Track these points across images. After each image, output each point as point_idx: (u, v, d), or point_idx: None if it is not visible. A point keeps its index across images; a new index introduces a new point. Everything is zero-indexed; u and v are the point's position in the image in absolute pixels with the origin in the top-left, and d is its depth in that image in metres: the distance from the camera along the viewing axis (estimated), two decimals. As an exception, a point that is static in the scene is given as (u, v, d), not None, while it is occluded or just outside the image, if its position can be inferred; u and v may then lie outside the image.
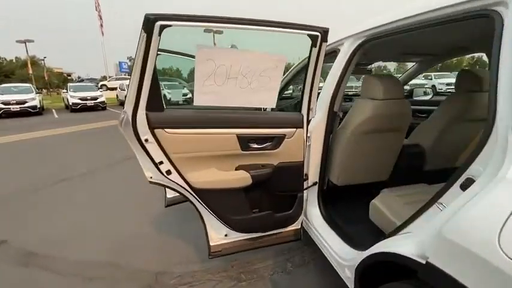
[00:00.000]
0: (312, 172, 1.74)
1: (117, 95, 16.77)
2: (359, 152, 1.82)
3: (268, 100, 1.40)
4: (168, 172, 1.35)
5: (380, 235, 1.47)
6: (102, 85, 22.77)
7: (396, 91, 1.66)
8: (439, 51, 2.33)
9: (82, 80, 32.74)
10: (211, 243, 1.66)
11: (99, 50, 28.20)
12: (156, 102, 1.22)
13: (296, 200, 1.64)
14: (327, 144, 1.71)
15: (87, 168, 4.38)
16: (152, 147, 1.28)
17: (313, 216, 1.81)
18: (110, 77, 27.06)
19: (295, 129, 1.47)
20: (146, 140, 1.25)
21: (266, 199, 1.60)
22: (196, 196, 1.42)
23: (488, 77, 1.90)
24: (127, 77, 27.10)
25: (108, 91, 20.42)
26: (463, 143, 2.13)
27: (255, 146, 1.43)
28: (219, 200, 1.43)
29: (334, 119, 1.67)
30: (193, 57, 2.42)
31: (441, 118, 1.97)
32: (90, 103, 13.18)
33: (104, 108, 13.76)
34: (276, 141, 1.45)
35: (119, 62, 32.75)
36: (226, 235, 1.68)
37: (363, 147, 1.80)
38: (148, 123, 1.23)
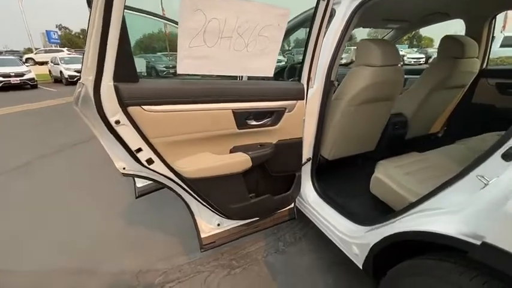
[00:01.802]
0: (306, 148, 1.61)
1: (49, 71, 14.28)
2: (352, 124, 1.73)
3: (266, 67, 1.17)
4: (150, 161, 1.08)
5: (384, 209, 1.44)
6: (27, 59, 19.16)
7: (393, 57, 1.57)
8: (420, 17, 2.30)
9: (0, 53, 27.08)
10: (202, 235, 1.47)
11: (18, 17, 23.12)
12: (127, 69, 0.90)
13: (294, 179, 1.51)
14: (322, 117, 1.57)
15: (26, 159, 3.64)
16: (126, 130, 0.98)
17: (308, 194, 1.72)
18: (36, 49, 22.79)
19: (295, 101, 1.29)
20: (117, 122, 0.95)
21: (264, 182, 1.43)
22: (188, 187, 1.18)
23: (470, 44, 1.95)
24: (59, 49, 23.19)
25: (37, 66, 17.29)
26: (439, 111, 2.21)
27: (253, 122, 1.22)
28: (215, 189, 1.22)
29: (330, 90, 1.52)
30: (173, 22, 1.99)
31: (424, 86, 1.98)
32: (14, 80, 10.94)
33: (34, 87, 11.59)
34: (276, 116, 1.26)
35: (47, 32, 27.64)
36: (219, 224, 1.50)
37: (357, 118, 1.71)
38: (118, 99, 0.91)
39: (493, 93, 2.13)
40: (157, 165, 1.09)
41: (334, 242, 1.50)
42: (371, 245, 1.14)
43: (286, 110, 1.28)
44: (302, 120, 1.36)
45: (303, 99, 1.31)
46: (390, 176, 1.38)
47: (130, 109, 0.95)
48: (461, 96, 2.19)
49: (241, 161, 1.19)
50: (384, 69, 1.55)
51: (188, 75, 1.03)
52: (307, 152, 1.62)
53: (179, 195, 1.34)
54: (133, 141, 1.02)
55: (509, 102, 2.06)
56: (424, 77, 2.00)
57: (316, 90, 1.47)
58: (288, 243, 2.00)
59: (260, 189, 1.45)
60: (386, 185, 1.35)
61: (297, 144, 1.41)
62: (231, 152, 1.24)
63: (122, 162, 1.11)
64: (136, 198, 1.93)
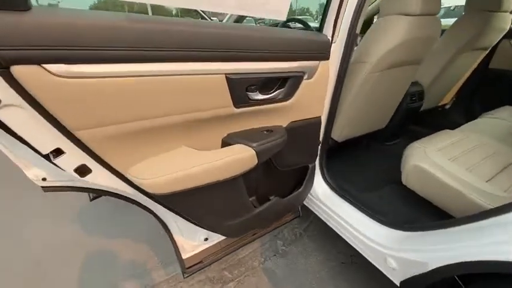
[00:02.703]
0: None
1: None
2: (372, 95, 1.34)
3: (277, 7, 0.69)
4: (83, 170, 0.60)
5: (423, 206, 1.13)
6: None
7: (435, 2, 1.15)
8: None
9: None
10: (184, 256, 1.06)
11: None
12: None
13: (307, 172, 1.12)
14: (340, 86, 1.16)
15: None
16: (17, 117, 0.49)
17: (316, 186, 1.35)
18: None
19: (317, 62, 0.85)
20: None
21: (269, 180, 1.02)
22: (158, 203, 0.74)
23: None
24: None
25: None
26: (457, 78, 1.91)
27: (258, 96, 0.77)
28: (202, 204, 0.78)
29: (353, 47, 1.09)
30: None
31: (449, 47, 1.62)
32: None
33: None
34: (291, 84, 0.82)
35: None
36: (206, 239, 1.09)
37: (378, 87, 1.32)
38: None
39: (515, 56, 1.86)
40: (98, 176, 0.62)
41: (356, 247, 1.18)
42: (431, 267, 0.81)
43: (305, 76, 0.84)
44: (325, 90, 0.94)
45: (328, 58, 0.87)
46: (436, 164, 1.04)
47: (19, 70, 0.45)
48: (480, 61, 1.89)
49: (242, 159, 0.75)
50: (422, 19, 1.14)
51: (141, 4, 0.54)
52: None
53: (147, 209, 0.89)
54: (42, 136, 0.53)
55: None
56: (450, 36, 1.63)
57: (335, 47, 1.03)
58: (288, 242, 1.67)
59: (264, 190, 1.04)
60: (431, 176, 1.02)
61: (315, 126, 1.00)
62: (224, 143, 0.80)
63: (38, 168, 0.63)
64: (91, 200, 1.43)
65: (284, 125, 0.91)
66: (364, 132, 1.60)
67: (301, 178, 1.14)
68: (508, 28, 1.66)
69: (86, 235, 1.70)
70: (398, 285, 1.02)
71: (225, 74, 0.67)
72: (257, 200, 1.02)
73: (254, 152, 0.76)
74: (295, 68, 0.80)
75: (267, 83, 0.77)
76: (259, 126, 0.86)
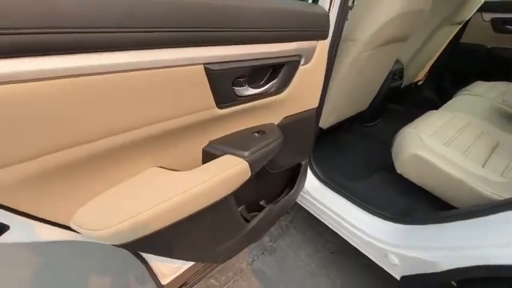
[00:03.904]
0: None
1: None
2: (361, 76, 1.23)
3: None
4: None
5: (420, 195, 1.08)
6: None
7: None
8: None
9: None
10: (165, 282, 0.89)
11: None
12: None
13: (300, 170, 0.99)
14: (331, 66, 1.02)
15: None
16: None
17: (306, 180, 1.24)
18: None
19: (315, 41, 0.68)
20: None
21: (259, 186, 0.87)
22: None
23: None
24: None
25: None
26: (434, 54, 1.88)
27: (248, 92, 0.58)
28: (183, 239, 0.60)
29: (344, 22, 0.93)
30: None
31: (427, 25, 1.54)
32: None
33: None
34: (285, 73, 0.64)
35: None
36: (189, 258, 0.92)
37: (366, 67, 1.21)
38: None
39: (486, 31, 1.86)
40: (21, 232, 0.41)
41: (353, 243, 1.12)
42: (442, 268, 0.75)
43: (302, 61, 0.67)
44: (322, 78, 0.78)
45: (327, 36, 0.71)
46: (435, 152, 0.98)
47: None
48: (453, 36, 1.87)
49: (232, 176, 0.57)
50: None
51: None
52: None
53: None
54: None
55: (503, 41, 1.83)
56: (431, 11, 1.55)
57: None
58: (275, 237, 1.58)
59: (254, 197, 0.89)
60: (432, 165, 0.95)
61: (310, 119, 0.84)
62: (206, 154, 0.61)
63: None
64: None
65: (276, 122, 0.74)
66: (349, 115, 1.51)
67: (293, 176, 1.01)
68: (482, 1, 1.63)
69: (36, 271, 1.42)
70: (399, 279, 0.98)
71: (204, 63, 0.47)
72: (247, 209, 0.87)
73: (247, 163, 0.59)
74: (291, 52, 0.62)
75: (257, 72, 0.59)
76: (247, 126, 0.68)
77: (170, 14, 0.40)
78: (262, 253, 1.49)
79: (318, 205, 1.23)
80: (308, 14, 0.64)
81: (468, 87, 1.65)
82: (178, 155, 0.57)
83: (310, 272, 1.40)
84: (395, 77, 1.63)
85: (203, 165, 0.58)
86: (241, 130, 0.66)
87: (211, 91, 0.51)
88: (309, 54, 0.68)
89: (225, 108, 0.56)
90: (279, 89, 0.65)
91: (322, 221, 1.25)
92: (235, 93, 0.55)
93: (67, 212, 0.43)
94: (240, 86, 0.56)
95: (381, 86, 1.58)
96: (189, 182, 0.51)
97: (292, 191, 0.98)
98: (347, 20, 0.99)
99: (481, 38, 1.89)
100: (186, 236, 0.58)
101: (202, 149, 0.61)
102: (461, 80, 1.88)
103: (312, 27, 0.65)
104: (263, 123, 0.71)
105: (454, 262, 0.73)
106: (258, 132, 0.67)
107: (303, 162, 0.98)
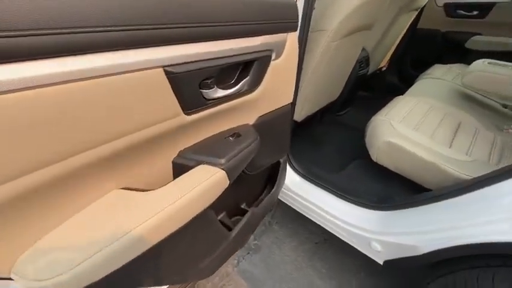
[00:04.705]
0: None
1: None
2: (330, 67, 1.22)
3: None
4: None
5: (396, 182, 1.11)
6: None
7: None
8: None
9: None
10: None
11: None
12: None
13: (279, 168, 0.96)
14: (302, 59, 0.99)
15: None
16: None
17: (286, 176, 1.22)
18: None
19: (285, 34, 0.64)
20: None
21: (238, 189, 0.82)
22: None
23: None
24: None
25: None
26: (396, 40, 1.94)
27: (218, 94, 0.53)
28: (158, 264, 0.53)
29: (312, 11, 0.90)
30: None
31: (389, 11, 1.58)
32: None
33: None
34: (257, 68, 0.59)
35: None
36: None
37: (338, 57, 1.20)
38: None
39: (440, 16, 1.97)
40: None
41: (340, 236, 1.13)
42: (423, 251, 0.78)
43: (273, 56, 0.62)
44: (295, 72, 0.74)
45: (297, 28, 0.67)
46: (406, 138, 1.00)
47: None
48: (411, 22, 1.95)
49: (209, 188, 0.52)
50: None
51: None
52: None
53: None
54: None
55: (454, 25, 1.95)
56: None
57: None
58: (258, 235, 1.56)
59: (234, 201, 0.85)
60: (402, 150, 0.98)
61: (285, 115, 0.81)
62: (177, 166, 0.55)
63: None
64: None
65: (251, 123, 0.70)
66: (321, 106, 1.51)
67: (272, 174, 0.98)
68: (436, -14, 1.71)
69: None
70: (382, 263, 1.01)
71: (162, 66, 0.40)
72: (228, 215, 0.82)
73: (223, 171, 0.54)
74: (261, 46, 0.57)
75: (226, 71, 0.54)
76: (221, 130, 0.62)
77: (117, 10, 0.33)
78: (248, 253, 1.46)
79: (300, 200, 1.22)
80: (276, 4, 0.59)
81: (428, 71, 1.74)
82: (145, 172, 0.50)
83: (296, 266, 1.40)
84: (362, 65, 1.65)
85: (175, 180, 0.51)
86: (214, 135, 0.60)
87: (176, 97, 0.44)
88: (280, 47, 0.64)
89: (194, 114, 0.50)
90: (251, 88, 0.60)
91: (305, 215, 1.24)
92: (203, 96, 0.49)
93: (8, 260, 0.35)
94: (208, 88, 0.50)
95: (350, 75, 1.60)
96: (159, 203, 0.44)
97: (273, 190, 0.94)
98: (314, 8, 0.96)
99: (435, 23, 2.00)
100: (161, 261, 0.52)
101: (172, 161, 0.54)
102: (421, 65, 1.98)
103: (281, 19, 0.60)
104: (237, 125, 0.66)
105: (433, 244, 0.75)
106: (232, 135, 0.62)
107: (281, 159, 0.95)
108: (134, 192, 0.46)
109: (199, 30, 0.44)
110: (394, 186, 1.10)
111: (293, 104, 1.05)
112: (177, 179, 0.51)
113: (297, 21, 0.65)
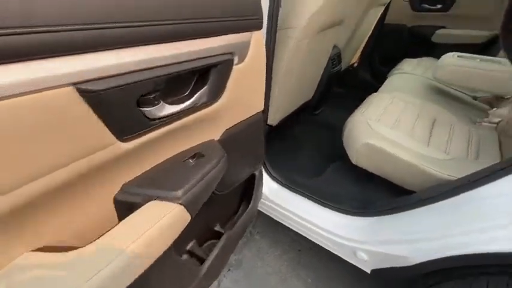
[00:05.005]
0: None
1: None
2: (303, 66, 1.15)
3: None
4: None
5: (376, 185, 1.06)
6: None
7: None
8: None
9: None
10: None
11: None
12: None
13: (255, 181, 0.87)
14: (271, 60, 0.90)
15: None
16: None
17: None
18: None
19: (249, 33, 0.54)
20: None
21: (209, 211, 0.72)
22: None
23: None
24: None
25: None
26: (365, 36, 1.93)
27: (165, 111, 0.42)
28: None
29: (278, 7, 0.82)
30: None
31: (358, 6, 1.55)
32: None
33: None
34: (217, 75, 0.49)
35: None
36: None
37: (309, 55, 1.13)
38: None
39: (406, 11, 1.98)
40: None
41: (325, 246, 1.06)
42: (413, 263, 0.72)
43: (235, 59, 0.53)
44: (263, 76, 0.65)
45: (261, 26, 0.57)
46: (382, 137, 0.95)
47: None
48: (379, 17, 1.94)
49: (163, 227, 0.41)
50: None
51: None
52: None
53: None
54: None
55: (420, 20, 1.97)
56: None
57: None
58: (239, 248, 1.46)
59: (205, 225, 0.74)
60: (381, 151, 0.93)
61: (257, 124, 0.72)
62: (120, 204, 0.43)
63: None
64: None
65: (217, 138, 0.59)
66: (296, 107, 1.44)
67: (248, 187, 0.88)
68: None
69: None
70: (369, 272, 0.96)
71: (73, 83, 0.29)
72: (198, 243, 0.72)
73: (181, 206, 0.43)
74: (219, 49, 0.47)
75: (176, 82, 0.43)
76: (179, 151, 0.52)
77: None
78: (229, 270, 1.36)
79: (278, 209, 1.14)
80: (234, -2, 0.49)
81: (398, 66, 1.74)
82: (76, 220, 0.38)
83: (280, 277, 1.32)
84: (334, 62, 1.61)
85: (116, 226, 0.40)
86: (168, 159, 0.49)
87: (102, 121, 0.33)
88: (243, 49, 0.54)
89: (134, 139, 0.38)
90: (212, 99, 0.50)
91: (286, 225, 1.17)
92: (145, 116, 0.38)
93: None
94: (152, 105, 0.39)
95: (323, 73, 1.55)
96: (90, 266, 0.33)
97: (249, 207, 0.85)
98: (280, 7, 0.88)
99: (402, 18, 2.02)
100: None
101: (114, 198, 0.43)
102: (390, 60, 1.98)
103: (242, 15, 0.51)
104: (198, 142, 0.55)
105: (423, 255, 0.70)
106: (193, 157, 0.52)
107: (256, 172, 0.86)
108: (53, 255, 0.34)
109: (131, 31, 0.33)
110: (375, 188, 1.06)
111: (265, 110, 0.97)
112: (120, 224, 0.40)
113: (261, 18, 0.56)
